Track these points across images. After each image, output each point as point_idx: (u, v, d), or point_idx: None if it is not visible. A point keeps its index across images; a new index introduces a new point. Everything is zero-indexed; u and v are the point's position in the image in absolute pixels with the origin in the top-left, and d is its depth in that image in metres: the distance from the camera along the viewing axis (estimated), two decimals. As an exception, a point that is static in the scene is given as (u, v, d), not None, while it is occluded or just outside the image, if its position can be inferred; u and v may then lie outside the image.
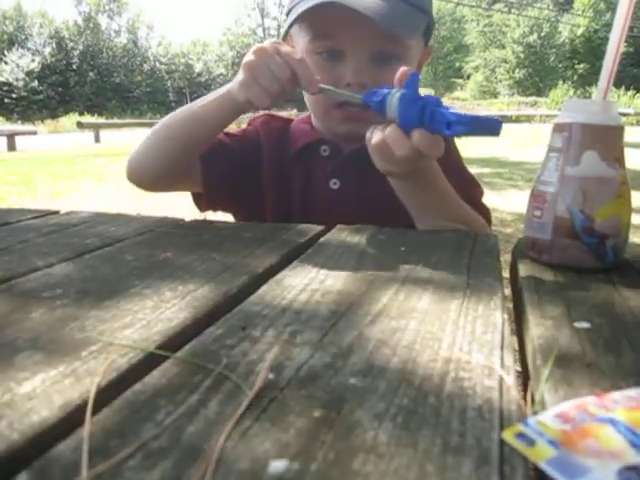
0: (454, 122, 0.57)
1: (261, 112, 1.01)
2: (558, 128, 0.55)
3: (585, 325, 0.40)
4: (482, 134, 0.57)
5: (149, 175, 0.88)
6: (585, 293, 0.48)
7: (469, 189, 0.89)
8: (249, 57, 0.71)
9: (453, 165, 0.89)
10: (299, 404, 0.29)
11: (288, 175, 0.93)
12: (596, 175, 0.52)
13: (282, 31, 0.93)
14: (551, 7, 38.19)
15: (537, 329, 0.39)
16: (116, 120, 22.85)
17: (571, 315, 0.42)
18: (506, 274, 0.58)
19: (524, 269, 0.55)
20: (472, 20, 44.34)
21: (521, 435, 0.25)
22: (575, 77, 37.06)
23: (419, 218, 0.79)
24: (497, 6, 39.86)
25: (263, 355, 0.35)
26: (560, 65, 38.33)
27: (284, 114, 1.05)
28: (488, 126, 0.57)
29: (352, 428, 0.27)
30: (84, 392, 0.30)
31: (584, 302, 0.45)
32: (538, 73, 37.71)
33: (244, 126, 1.02)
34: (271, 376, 0.32)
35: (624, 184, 0.53)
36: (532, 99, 31.28)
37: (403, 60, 0.84)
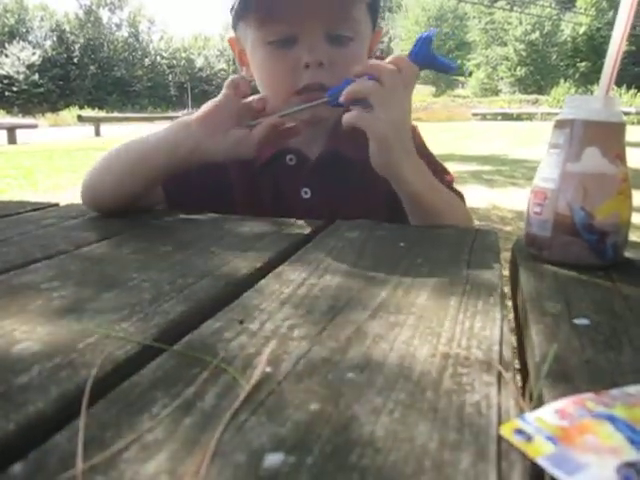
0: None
1: None
2: (559, 124, 0.55)
3: (584, 322, 0.40)
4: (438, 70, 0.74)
5: (107, 204, 0.81)
6: (585, 290, 0.47)
7: (441, 176, 0.89)
8: (201, 110, 0.73)
9: (422, 155, 0.90)
10: (296, 398, 0.29)
11: (257, 187, 0.91)
12: (597, 172, 0.52)
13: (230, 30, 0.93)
14: (553, 5, 38.10)
15: (536, 325, 0.39)
16: (117, 114, 22.82)
17: (570, 312, 0.42)
18: (506, 272, 0.57)
19: (524, 266, 0.55)
20: (474, 17, 44.24)
21: (519, 431, 0.25)
22: (577, 75, 37.00)
23: (413, 212, 0.78)
24: (499, 3, 39.76)
25: (261, 348, 0.35)
26: (562, 63, 38.26)
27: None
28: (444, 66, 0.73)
29: (349, 422, 0.27)
30: (80, 383, 0.30)
31: (583, 299, 0.45)
32: (540, 71, 37.64)
33: None
34: (268, 369, 0.32)
35: (625, 181, 0.53)
36: (534, 97, 31.25)
37: (356, 40, 0.84)
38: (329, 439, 0.25)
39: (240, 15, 0.84)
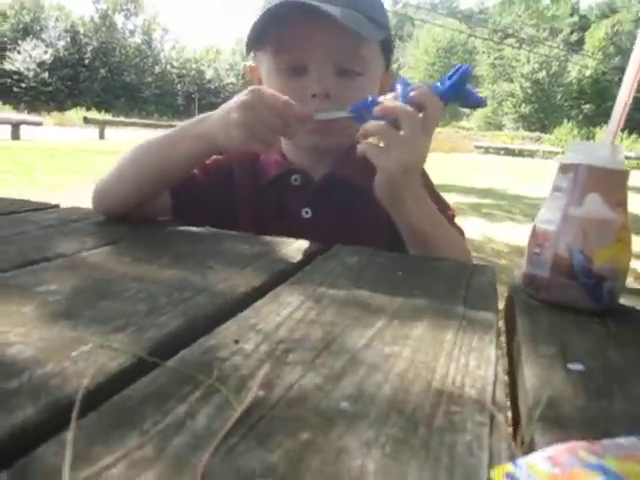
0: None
1: None
2: (564, 168, 0.55)
3: (578, 367, 0.40)
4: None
5: (118, 207, 0.82)
6: (580, 334, 0.47)
7: (443, 211, 0.90)
8: (239, 115, 0.71)
9: (426, 188, 0.92)
10: (287, 425, 0.29)
11: (261, 205, 0.92)
12: (598, 217, 0.53)
13: (249, 61, 0.95)
14: (562, 46, 38.72)
15: (530, 368, 0.39)
16: (123, 118, 22.91)
17: (565, 356, 0.42)
18: (500, 305, 0.58)
19: (520, 306, 0.55)
20: (483, 52, 44.89)
21: (510, 475, 0.25)
22: (580, 117, 37.47)
23: (412, 243, 0.79)
24: (509, 41, 40.38)
25: (254, 371, 0.35)
26: (566, 104, 38.76)
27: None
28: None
29: (339, 454, 0.26)
30: (71, 393, 0.30)
31: (578, 344, 0.45)
32: (544, 110, 38.11)
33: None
34: (261, 393, 0.32)
35: (625, 229, 0.54)
36: (536, 134, 31.58)
37: (365, 76, 0.87)
38: (319, 470, 0.25)
39: (256, 44, 0.87)
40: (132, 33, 40.25)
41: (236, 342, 0.39)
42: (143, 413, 0.29)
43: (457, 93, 0.70)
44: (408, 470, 0.25)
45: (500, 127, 39.81)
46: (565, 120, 33.39)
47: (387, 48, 0.92)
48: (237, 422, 0.28)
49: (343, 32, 0.79)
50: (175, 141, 0.79)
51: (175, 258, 0.61)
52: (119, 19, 39.70)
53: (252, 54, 0.94)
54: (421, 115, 0.69)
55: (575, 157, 0.54)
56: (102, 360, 0.35)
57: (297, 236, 0.77)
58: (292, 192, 0.92)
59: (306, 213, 0.90)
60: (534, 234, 0.57)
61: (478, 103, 0.72)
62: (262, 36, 0.84)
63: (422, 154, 0.71)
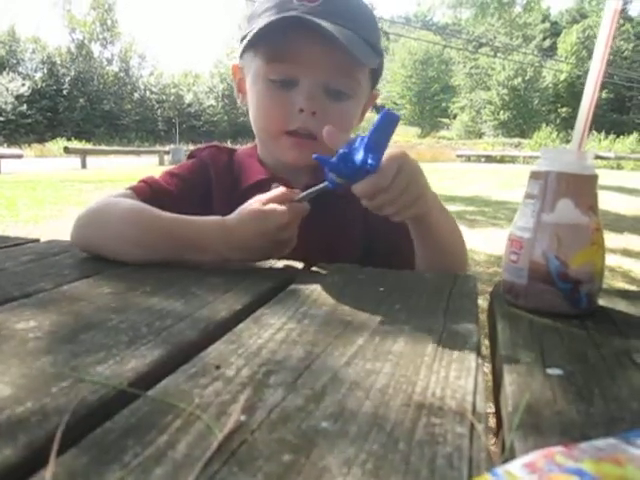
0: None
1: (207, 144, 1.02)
2: (534, 175, 0.56)
3: (557, 372, 0.40)
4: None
5: (98, 254, 0.76)
6: (559, 339, 0.48)
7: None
8: (262, 242, 0.69)
9: None
10: (269, 448, 0.29)
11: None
12: (571, 222, 0.54)
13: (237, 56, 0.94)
14: (535, 53, 39.41)
15: (510, 375, 0.40)
16: (103, 147, 22.86)
17: (544, 361, 0.43)
18: (484, 313, 0.58)
19: (501, 313, 0.56)
20: (459, 62, 45.53)
21: (489, 485, 0.25)
22: (558, 120, 38.05)
23: (427, 257, 0.79)
24: (483, 50, 41.04)
25: (236, 395, 0.35)
26: (543, 108, 39.34)
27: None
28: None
29: (321, 474, 0.27)
30: (51, 430, 0.30)
31: (558, 348, 0.46)
32: (522, 115, 38.64)
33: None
34: (243, 418, 0.32)
35: (598, 231, 0.55)
36: (516, 140, 31.96)
37: (353, 98, 0.87)
38: (300, 492, 0.25)
39: (249, 47, 0.86)
40: (109, 61, 40.35)
41: (217, 368, 0.39)
42: (124, 446, 0.29)
43: (378, 140, 0.62)
44: (388, 486, 0.26)
45: (480, 135, 40.26)
46: (544, 124, 33.87)
47: (377, 71, 0.92)
48: (218, 448, 0.29)
49: (341, 54, 0.79)
50: (181, 241, 0.73)
51: (156, 285, 0.61)
52: (96, 48, 39.82)
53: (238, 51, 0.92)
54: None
55: (545, 164, 0.55)
56: (83, 394, 0.34)
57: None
58: None
59: None
60: (510, 242, 0.58)
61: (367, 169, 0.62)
62: (258, 40, 0.83)
63: (421, 191, 0.68)
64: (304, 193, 0.74)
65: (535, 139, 29.57)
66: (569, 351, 0.45)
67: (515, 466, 0.27)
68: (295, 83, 0.84)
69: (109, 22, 39.85)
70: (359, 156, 0.62)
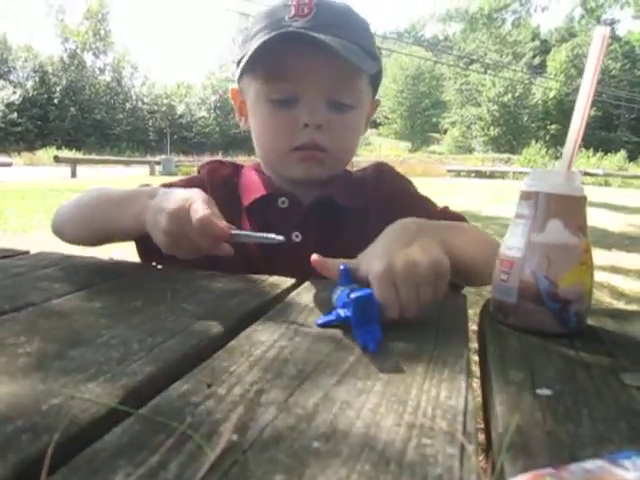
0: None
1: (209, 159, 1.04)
2: (525, 196, 0.57)
3: (546, 392, 0.41)
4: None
5: (77, 242, 0.91)
6: (548, 358, 0.49)
7: (434, 210, 0.93)
8: (165, 223, 0.69)
9: (418, 198, 0.95)
10: (261, 468, 0.29)
11: (240, 227, 0.87)
12: (560, 242, 0.54)
13: (235, 79, 0.95)
14: (525, 70, 39.93)
15: (500, 395, 0.40)
16: (94, 156, 22.78)
17: (534, 381, 0.43)
18: (474, 326, 0.59)
19: (490, 331, 0.56)
20: (450, 78, 46.04)
21: (479, 508, 0.26)
22: (547, 137, 38.49)
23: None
24: (474, 66, 41.51)
25: (228, 414, 0.35)
26: (533, 125, 39.82)
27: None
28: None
29: (312, 496, 0.27)
30: (41, 449, 0.30)
31: (547, 368, 0.46)
32: (512, 131, 39.08)
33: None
34: (234, 437, 0.32)
35: (587, 252, 0.55)
36: (506, 156, 32.27)
37: (356, 108, 0.88)
38: (292, 514, 0.25)
39: (246, 69, 0.86)
40: (102, 71, 40.35)
41: (209, 386, 0.39)
42: (115, 466, 0.29)
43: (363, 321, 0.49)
44: (380, 508, 0.26)
45: (470, 150, 40.61)
46: (533, 141, 34.22)
47: (376, 77, 0.93)
48: (210, 469, 0.29)
49: (340, 65, 0.79)
50: (121, 208, 0.80)
51: (147, 301, 0.61)
52: (88, 58, 39.83)
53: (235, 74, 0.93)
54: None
55: (534, 184, 0.56)
56: (74, 412, 0.34)
57: (286, 260, 0.77)
58: (280, 215, 0.91)
59: (296, 237, 0.89)
60: (500, 261, 0.58)
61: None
62: (255, 62, 0.83)
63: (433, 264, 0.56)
64: (245, 233, 0.73)
65: (525, 155, 29.86)
66: (558, 371, 0.46)
67: (506, 488, 0.27)
68: (297, 100, 0.85)
69: (102, 32, 39.90)
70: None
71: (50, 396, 0.36)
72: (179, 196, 0.71)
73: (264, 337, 0.50)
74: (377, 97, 0.99)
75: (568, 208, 0.55)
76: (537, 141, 34.43)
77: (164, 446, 0.31)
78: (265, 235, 0.70)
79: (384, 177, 0.98)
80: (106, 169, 16.87)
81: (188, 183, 0.95)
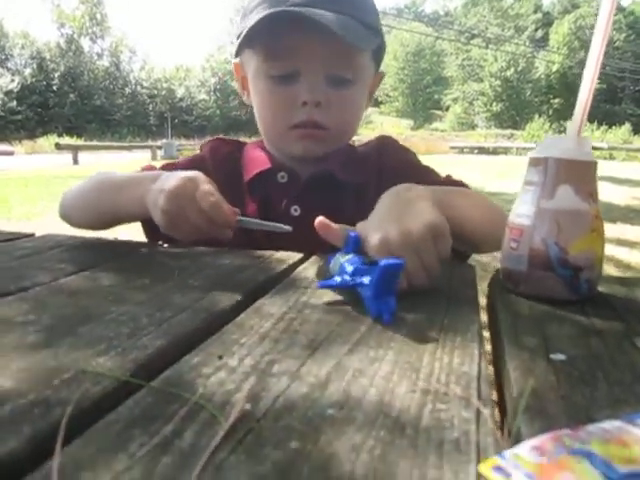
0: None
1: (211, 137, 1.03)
2: (534, 162, 0.56)
3: (560, 357, 0.40)
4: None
5: (85, 227, 0.93)
6: (560, 325, 0.48)
7: (438, 179, 0.93)
8: (163, 202, 0.70)
9: (420, 168, 0.95)
10: (275, 435, 0.29)
11: (243, 202, 0.90)
12: (570, 209, 0.53)
13: (233, 54, 0.94)
14: (527, 43, 39.38)
15: (513, 361, 0.40)
16: (95, 142, 22.70)
17: (547, 347, 0.43)
18: (483, 300, 0.58)
19: (501, 300, 0.55)
20: (451, 54, 45.47)
21: (498, 468, 0.25)
22: (550, 111, 38.10)
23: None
24: (475, 41, 40.95)
25: (240, 385, 0.35)
26: (536, 99, 39.40)
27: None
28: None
29: (329, 460, 0.26)
30: (54, 422, 0.30)
31: (559, 334, 0.46)
32: (515, 107, 38.69)
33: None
34: (247, 407, 0.32)
35: (597, 218, 0.55)
36: (509, 132, 32.02)
37: (357, 83, 0.87)
38: (309, 477, 0.25)
39: (246, 44, 0.85)
40: (99, 56, 40.02)
41: (220, 358, 0.39)
42: (130, 436, 0.29)
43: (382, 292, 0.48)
44: (397, 471, 0.26)
45: (473, 127, 40.30)
46: (536, 115, 33.91)
47: (379, 51, 0.91)
48: (225, 437, 0.28)
49: (338, 41, 0.78)
50: (125, 192, 0.81)
51: (155, 279, 0.61)
52: (85, 43, 39.48)
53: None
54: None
55: (544, 151, 0.55)
56: (85, 386, 0.34)
57: (285, 233, 0.77)
58: (279, 189, 0.91)
59: (295, 211, 0.89)
60: (509, 229, 0.58)
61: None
62: (253, 39, 0.83)
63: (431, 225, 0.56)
64: (252, 220, 0.74)
65: (528, 130, 29.63)
66: (571, 337, 0.45)
67: (523, 449, 0.27)
68: (296, 76, 0.84)
69: (98, 16, 39.50)
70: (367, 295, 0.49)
71: (61, 371, 0.36)
72: (179, 177, 0.71)
73: (273, 310, 0.50)
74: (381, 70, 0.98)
75: (578, 173, 0.54)
76: (540, 116, 34.14)
77: (177, 416, 0.31)
78: (272, 224, 0.70)
79: (388, 150, 0.97)
80: (109, 155, 16.83)
81: (190, 162, 0.95)
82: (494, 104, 39.29)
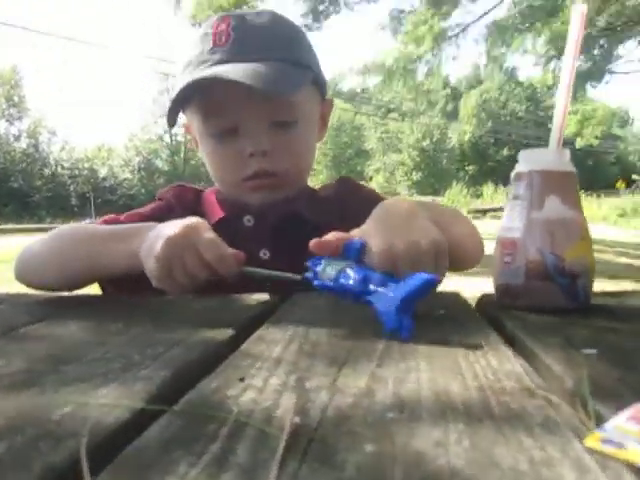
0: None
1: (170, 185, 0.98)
2: (518, 177, 0.57)
3: (592, 351, 0.39)
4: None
5: (41, 285, 0.81)
6: (574, 328, 0.47)
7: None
8: (160, 249, 0.65)
9: (376, 198, 0.90)
10: (342, 441, 0.25)
11: None
12: (560, 217, 0.54)
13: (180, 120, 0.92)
14: (440, 116, 42.15)
15: (549, 357, 0.38)
16: (10, 225, 21.67)
17: (572, 344, 0.41)
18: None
19: (502, 314, 0.54)
20: (370, 127, 47.78)
21: (606, 441, 0.23)
22: (467, 177, 40.43)
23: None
24: (392, 115, 43.37)
25: (278, 401, 0.31)
26: (452, 167, 41.79)
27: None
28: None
29: (418, 457, 0.23)
30: (67, 455, 0.25)
31: (577, 335, 0.45)
32: (433, 174, 40.81)
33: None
34: (297, 420, 0.28)
35: (585, 228, 0.55)
36: (430, 198, 33.48)
37: (301, 121, 0.85)
38: (407, 475, 0.21)
39: (180, 108, 0.84)
40: (17, 138, 39.07)
41: (241, 380, 0.35)
42: (172, 458, 0.24)
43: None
44: (498, 457, 0.23)
45: (396, 194, 41.92)
46: (454, 182, 35.76)
47: (319, 81, 0.90)
48: (286, 449, 0.24)
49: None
50: (114, 243, 0.74)
51: (129, 323, 0.55)
52: (2, 125, 38.54)
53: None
54: None
55: (526, 165, 0.56)
56: (94, 416, 0.29)
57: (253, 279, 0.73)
58: (245, 233, 0.87)
59: (264, 254, 0.85)
60: (501, 244, 0.57)
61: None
62: (187, 102, 0.82)
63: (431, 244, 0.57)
64: (259, 270, 0.69)
65: (447, 196, 31.06)
66: (589, 337, 0.44)
67: (621, 420, 0.25)
68: (237, 130, 0.83)
69: (16, 98, 38.84)
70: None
71: (56, 406, 0.31)
72: (180, 224, 0.67)
73: (277, 336, 0.46)
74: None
75: (563, 184, 0.55)
76: (457, 182, 36.03)
77: (220, 434, 0.26)
78: (281, 273, 0.66)
79: (348, 190, 0.97)
80: (28, 238, 16.02)
81: (158, 210, 0.90)
82: (414, 173, 41.22)
